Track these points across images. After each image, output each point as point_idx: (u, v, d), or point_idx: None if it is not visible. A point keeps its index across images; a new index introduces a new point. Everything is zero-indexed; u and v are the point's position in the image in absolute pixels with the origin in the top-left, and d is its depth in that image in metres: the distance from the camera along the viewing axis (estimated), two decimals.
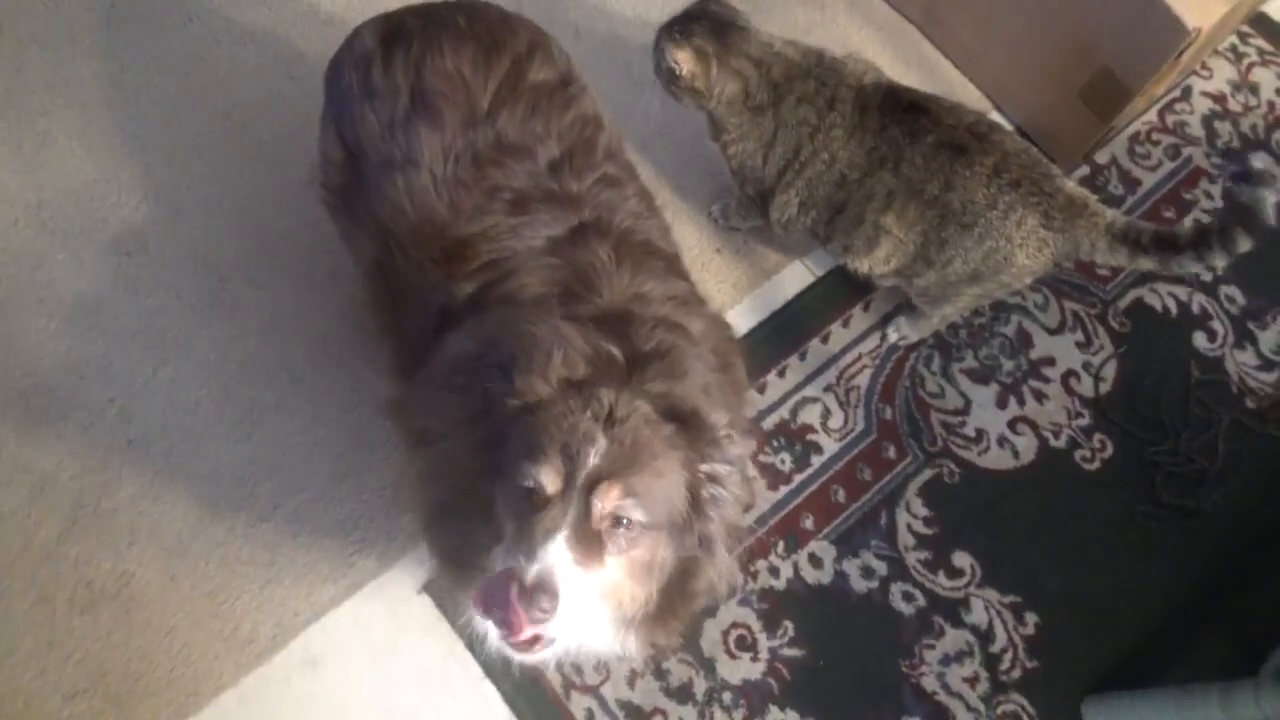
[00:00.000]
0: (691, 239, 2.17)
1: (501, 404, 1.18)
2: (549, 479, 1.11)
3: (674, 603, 1.25)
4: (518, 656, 1.19)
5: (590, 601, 1.15)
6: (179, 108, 2.18)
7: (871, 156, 1.79)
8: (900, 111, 1.77)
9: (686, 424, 1.18)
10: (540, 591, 1.05)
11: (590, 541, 1.11)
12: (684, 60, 1.80)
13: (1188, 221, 2.28)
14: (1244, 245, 1.58)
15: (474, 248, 1.43)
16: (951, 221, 1.76)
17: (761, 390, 2.06)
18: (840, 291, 2.15)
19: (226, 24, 2.27)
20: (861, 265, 1.92)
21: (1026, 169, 1.73)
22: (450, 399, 1.30)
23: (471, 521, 1.22)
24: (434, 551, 1.42)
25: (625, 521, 1.12)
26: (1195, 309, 2.20)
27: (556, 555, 1.08)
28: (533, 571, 1.06)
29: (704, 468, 1.18)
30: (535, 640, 1.14)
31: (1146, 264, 1.72)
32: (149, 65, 2.22)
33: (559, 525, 1.09)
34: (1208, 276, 2.22)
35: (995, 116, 2.35)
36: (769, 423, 2.04)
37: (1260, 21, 2.51)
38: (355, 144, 1.55)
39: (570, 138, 1.53)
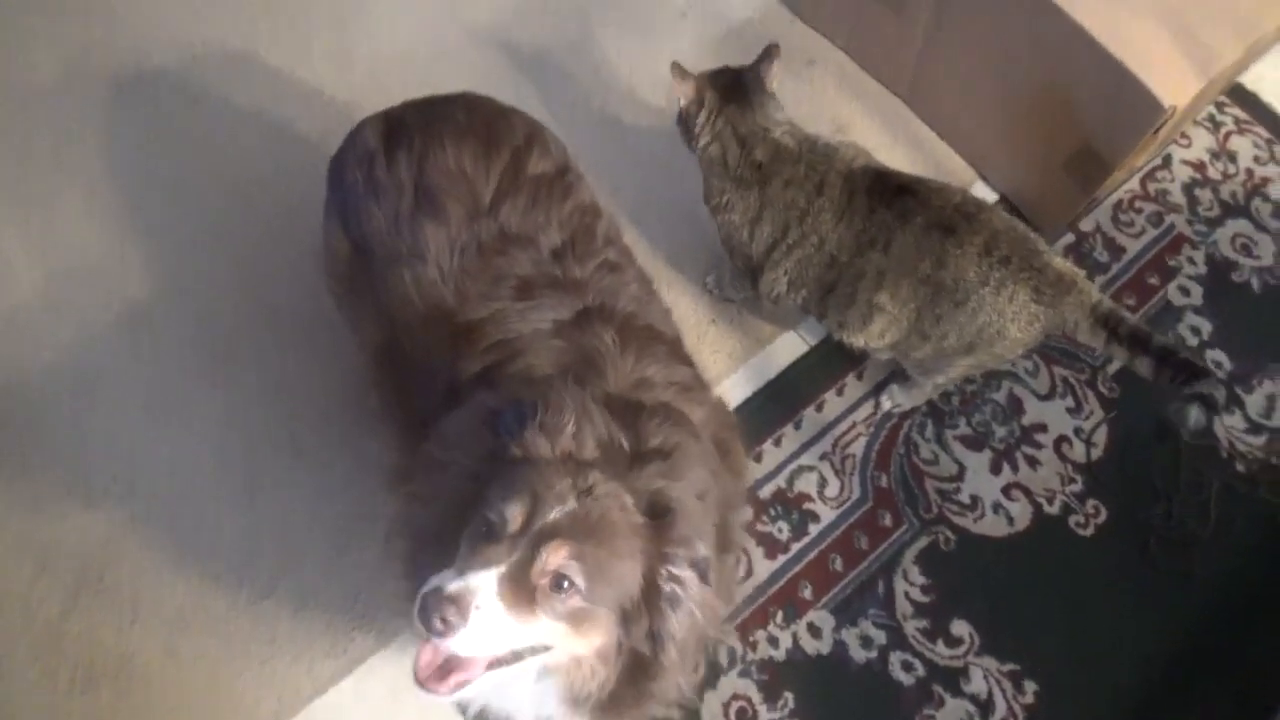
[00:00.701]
0: (687, 310, 2.22)
1: (506, 449, 1.22)
2: (510, 516, 1.14)
3: (625, 697, 1.25)
4: (429, 691, 1.19)
5: (517, 650, 1.16)
6: (184, 186, 2.24)
7: (861, 239, 1.83)
8: (889, 195, 1.82)
9: (662, 520, 1.20)
10: (451, 603, 1.08)
11: (523, 589, 1.13)
12: (681, 91, 1.88)
13: (1172, 288, 2.32)
14: (1180, 388, 1.69)
15: (481, 330, 1.46)
16: (945, 298, 1.80)
17: (758, 459, 2.08)
18: (834, 360, 2.18)
19: (231, 105, 2.33)
20: (857, 340, 1.96)
21: (1015, 245, 1.77)
22: (464, 436, 1.33)
23: (449, 554, 1.24)
24: (407, 579, 1.41)
25: (566, 584, 1.14)
26: None
27: (483, 583, 1.10)
28: (454, 585, 1.09)
29: (667, 567, 1.19)
30: (447, 674, 1.16)
31: (1118, 354, 1.77)
32: (155, 145, 2.28)
33: (499, 560, 1.12)
34: (1194, 342, 2.26)
35: (980, 186, 2.41)
36: (766, 491, 2.06)
37: (1236, 92, 2.58)
38: (361, 239, 1.59)
39: (571, 226, 1.57)
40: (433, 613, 1.09)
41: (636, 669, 1.23)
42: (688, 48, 2.52)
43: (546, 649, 1.20)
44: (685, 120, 1.92)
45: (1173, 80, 1.97)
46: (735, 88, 1.90)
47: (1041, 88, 2.15)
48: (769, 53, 1.90)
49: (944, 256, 1.78)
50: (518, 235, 1.53)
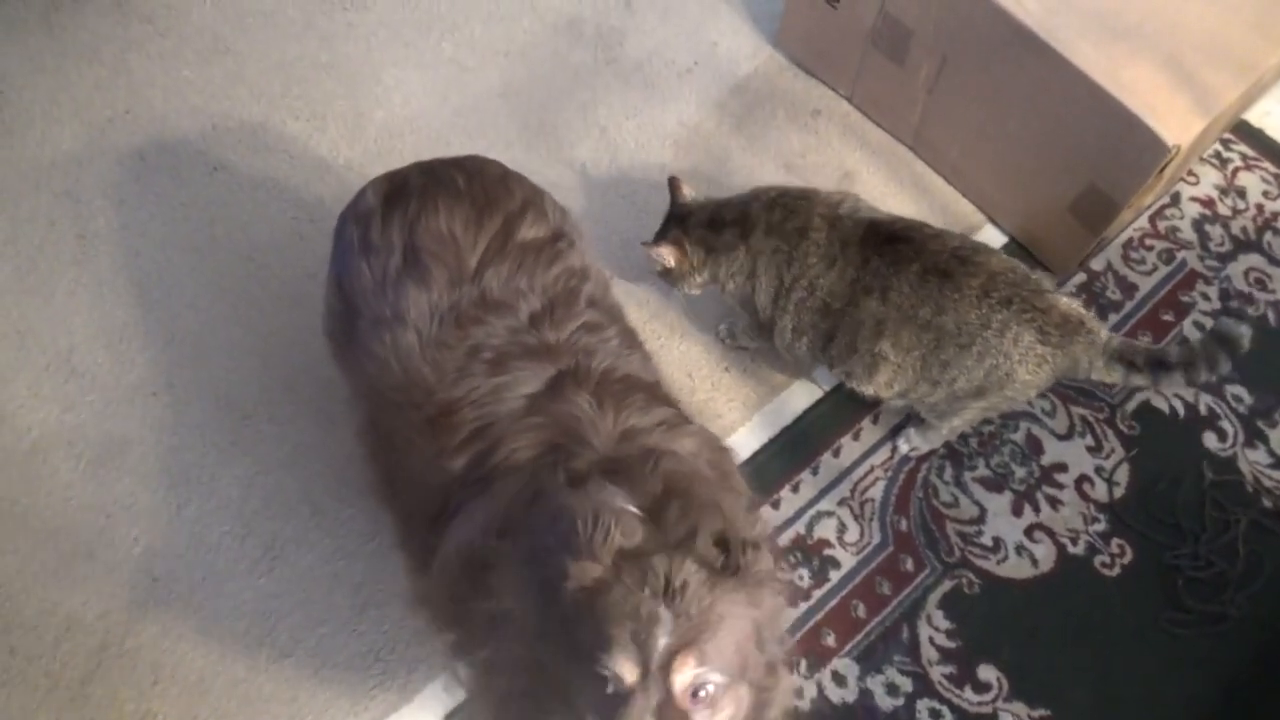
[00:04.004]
0: (700, 359, 2.23)
1: (561, 588, 1.15)
2: (625, 669, 1.09)
3: None
4: None
5: None
6: (203, 253, 2.28)
7: (855, 287, 1.85)
8: (882, 243, 1.85)
9: (729, 563, 1.17)
10: None
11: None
12: (664, 256, 2.02)
13: (1187, 324, 2.32)
14: (1225, 366, 1.74)
15: (459, 415, 1.44)
16: (949, 343, 1.81)
17: (776, 506, 2.07)
18: (849, 405, 2.18)
19: (250, 172, 2.39)
20: (866, 389, 1.97)
21: (1015, 286, 1.78)
22: (508, 582, 1.28)
23: (547, 706, 1.20)
24: None
25: (709, 688, 1.10)
26: (1203, 409, 2.21)
27: None
28: None
29: (761, 605, 1.18)
30: None
31: (1140, 382, 1.79)
32: (175, 214, 2.33)
33: (644, 717, 1.08)
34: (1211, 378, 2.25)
35: (990, 229, 2.43)
36: (785, 538, 2.04)
37: (1241, 128, 2.59)
38: (352, 298, 1.60)
39: (553, 291, 1.56)
40: None
41: (758, 709, 1.21)
42: (694, 103, 2.57)
43: None
44: (681, 271, 2.04)
45: (1175, 120, 1.98)
46: (674, 217, 2.06)
47: (1045, 132, 2.17)
48: (672, 183, 2.10)
49: (943, 302, 1.79)
50: (498, 302, 1.51)
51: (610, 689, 1.09)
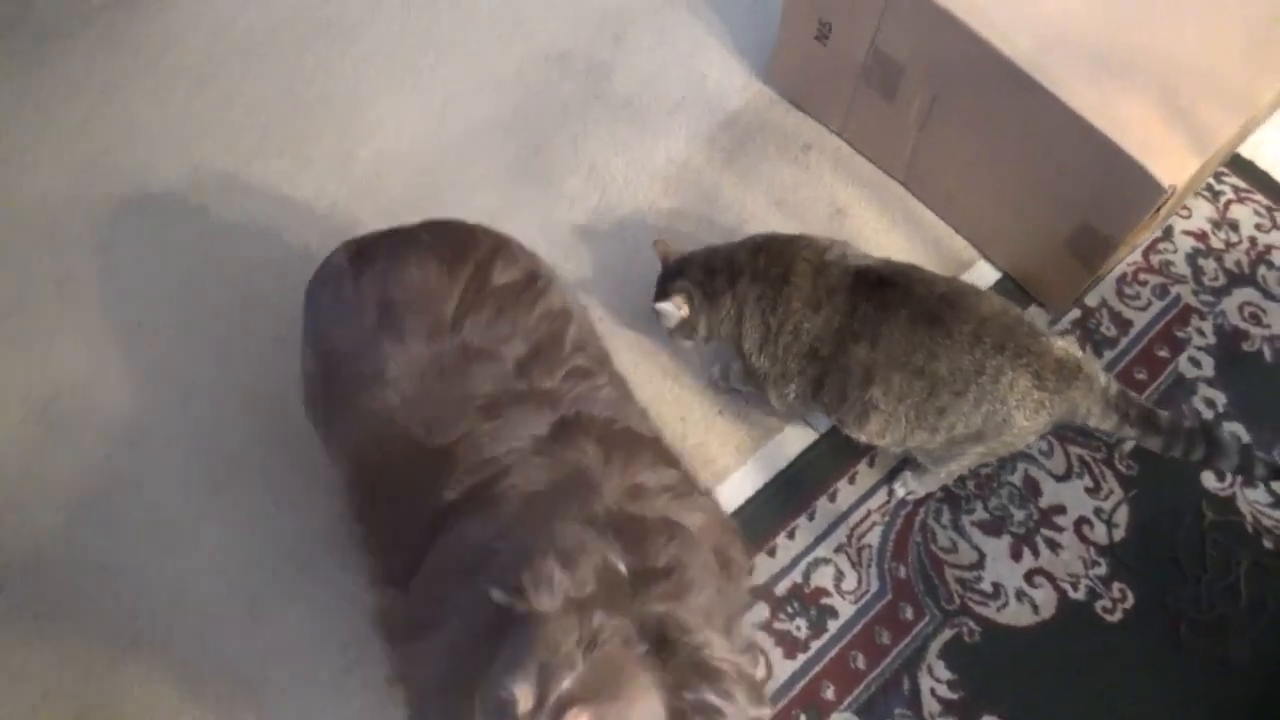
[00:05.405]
0: (693, 402, 2.19)
1: (505, 606, 1.16)
2: (522, 696, 1.08)
3: None
4: None
5: None
6: (183, 300, 2.23)
7: (843, 334, 1.83)
8: (870, 289, 1.82)
9: (672, 646, 1.14)
10: None
11: None
12: (678, 305, 1.98)
13: (1182, 360, 2.29)
14: (1195, 458, 1.77)
15: (455, 454, 1.42)
16: (944, 390, 1.78)
17: (772, 553, 2.04)
18: (844, 448, 2.14)
19: (234, 215, 2.34)
20: (860, 437, 1.94)
21: (1008, 330, 1.75)
22: (460, 586, 1.28)
23: (458, 706, 1.19)
24: None
25: None
26: None
27: None
28: None
29: (691, 694, 1.14)
30: None
31: (1130, 434, 1.79)
32: (155, 260, 2.28)
33: None
34: (1209, 415, 2.23)
35: (983, 265, 2.40)
36: (781, 587, 2.01)
37: (1233, 160, 2.58)
38: (328, 360, 1.57)
39: (538, 334, 1.53)
40: None
41: None
42: (683, 138, 2.54)
43: None
44: (689, 321, 2.00)
45: (1171, 159, 1.96)
46: (674, 269, 2.03)
47: (1038, 169, 2.15)
48: (657, 246, 2.08)
49: (935, 348, 1.76)
50: (480, 350, 1.48)
51: (504, 712, 1.09)
